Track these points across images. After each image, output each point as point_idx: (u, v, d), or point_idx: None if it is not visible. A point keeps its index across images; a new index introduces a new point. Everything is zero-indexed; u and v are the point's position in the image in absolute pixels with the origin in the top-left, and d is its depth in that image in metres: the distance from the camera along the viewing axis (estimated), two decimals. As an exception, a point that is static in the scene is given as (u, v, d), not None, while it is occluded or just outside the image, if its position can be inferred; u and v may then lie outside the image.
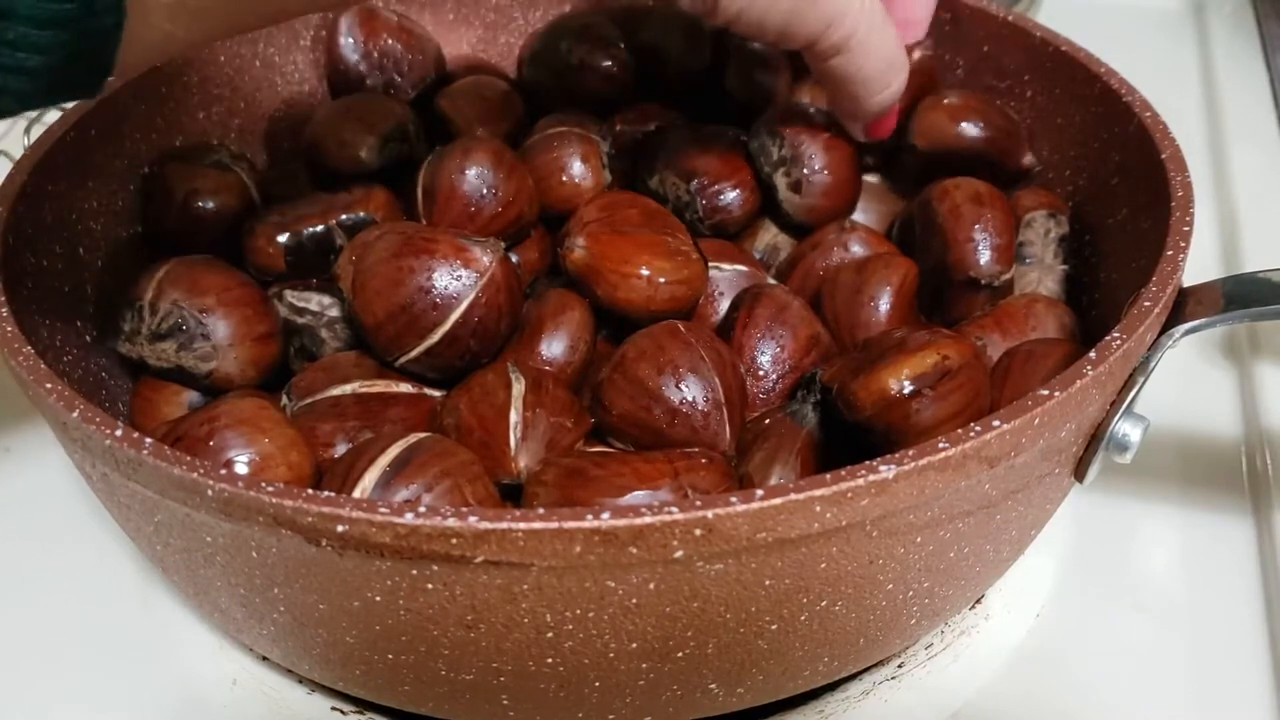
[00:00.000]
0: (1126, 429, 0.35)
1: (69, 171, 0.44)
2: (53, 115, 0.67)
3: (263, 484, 0.28)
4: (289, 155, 0.54)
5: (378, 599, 0.30)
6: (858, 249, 0.45)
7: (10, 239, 0.39)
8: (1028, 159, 0.49)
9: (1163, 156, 0.40)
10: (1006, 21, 0.51)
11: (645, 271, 0.40)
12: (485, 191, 0.44)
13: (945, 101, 0.50)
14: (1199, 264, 0.57)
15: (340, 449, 0.38)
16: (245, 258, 0.45)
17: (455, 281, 0.38)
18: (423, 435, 0.35)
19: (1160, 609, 0.43)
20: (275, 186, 0.49)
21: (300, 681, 0.41)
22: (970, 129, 0.48)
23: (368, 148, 0.47)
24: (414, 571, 0.29)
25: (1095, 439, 0.36)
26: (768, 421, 0.39)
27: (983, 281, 0.43)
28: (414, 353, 0.39)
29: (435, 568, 0.28)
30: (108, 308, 0.44)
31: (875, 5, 0.39)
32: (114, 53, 0.29)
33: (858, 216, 0.48)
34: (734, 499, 0.28)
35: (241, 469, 0.35)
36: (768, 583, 0.30)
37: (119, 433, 0.30)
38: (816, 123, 0.46)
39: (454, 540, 0.27)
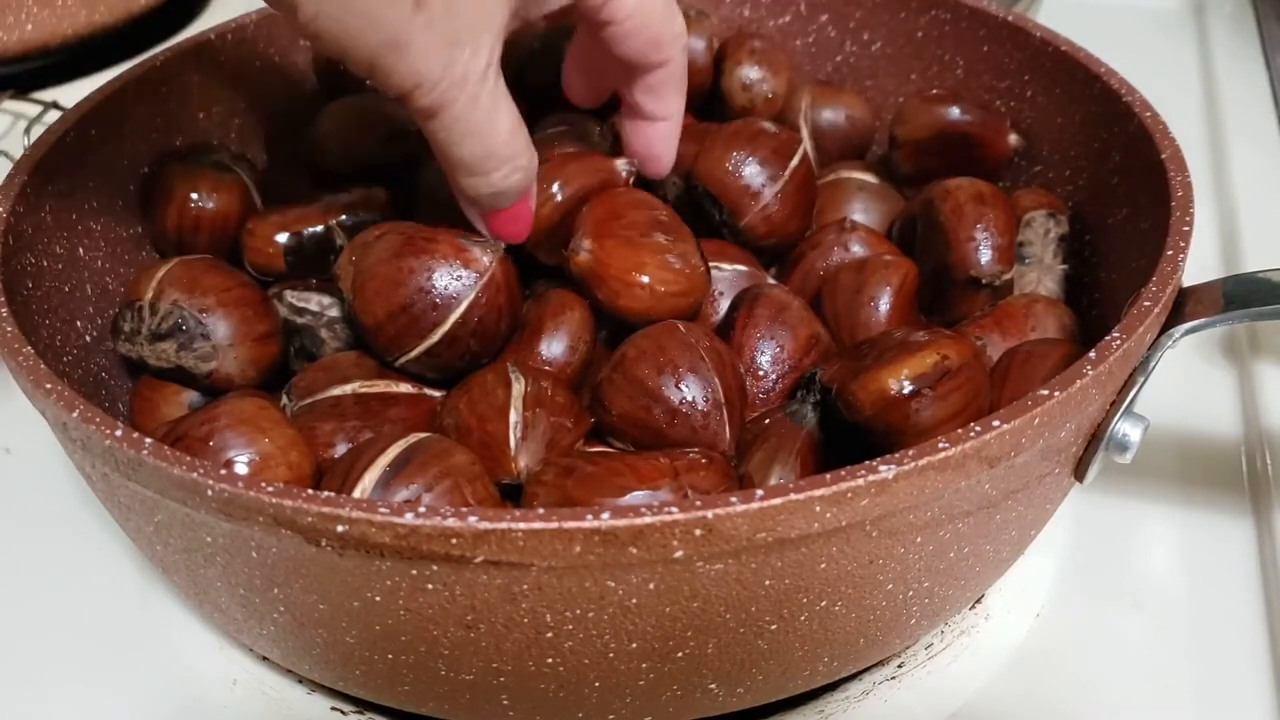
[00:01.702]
0: (1126, 429, 0.35)
1: (69, 171, 0.44)
2: (53, 115, 0.68)
3: (263, 484, 0.28)
4: (289, 155, 0.54)
5: (378, 599, 0.30)
6: (858, 249, 0.45)
7: (10, 239, 0.39)
8: (1013, 138, 0.48)
9: (1163, 156, 0.40)
10: (1006, 21, 0.51)
11: (646, 280, 0.40)
12: (485, 191, 0.44)
13: (920, 94, 0.50)
14: (1199, 264, 0.57)
15: (340, 449, 0.38)
16: (245, 258, 0.45)
17: (455, 282, 0.38)
18: (423, 435, 0.35)
19: (1160, 609, 0.43)
20: (275, 186, 0.49)
21: (300, 681, 0.41)
22: (949, 111, 0.48)
23: (368, 148, 0.47)
24: (414, 571, 0.29)
25: (1095, 439, 0.36)
26: (768, 421, 0.39)
27: (983, 281, 0.43)
28: (414, 353, 0.39)
29: (435, 568, 0.28)
30: (108, 308, 0.44)
31: (482, 83, 0.35)
32: None
33: (858, 217, 0.48)
34: (734, 499, 0.28)
35: (241, 469, 0.35)
36: (768, 583, 0.30)
37: (119, 433, 0.30)
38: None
39: (454, 540, 0.27)
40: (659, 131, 0.44)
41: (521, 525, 0.27)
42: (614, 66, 0.42)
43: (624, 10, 0.39)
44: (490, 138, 0.37)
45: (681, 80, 0.43)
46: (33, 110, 0.69)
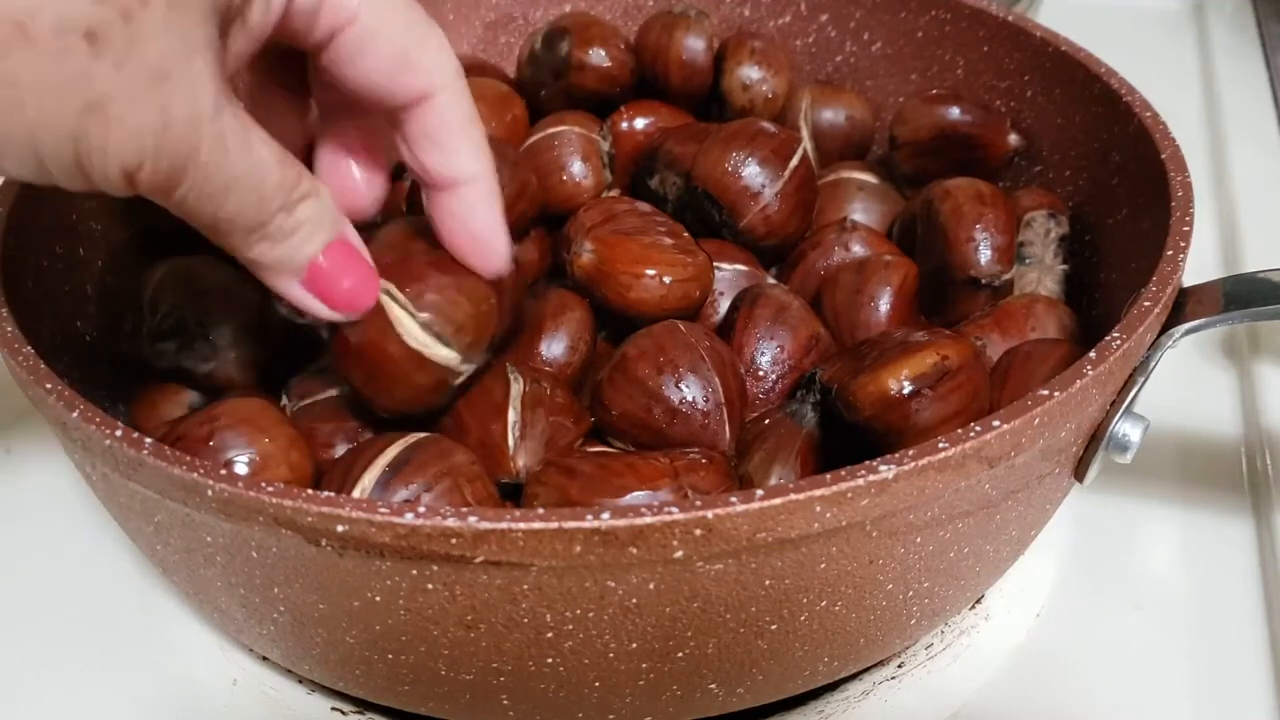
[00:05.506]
0: (1126, 429, 0.35)
1: (69, 171, 0.44)
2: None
3: (263, 484, 0.28)
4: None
5: (378, 599, 0.30)
6: (858, 249, 0.45)
7: (10, 239, 0.39)
8: (1013, 138, 0.49)
9: (1163, 156, 0.40)
10: (1006, 21, 0.51)
11: (654, 271, 0.40)
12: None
13: (920, 94, 0.50)
14: (1199, 264, 0.57)
15: (340, 449, 0.38)
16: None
17: None
18: (422, 435, 0.35)
19: (1160, 609, 0.43)
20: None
21: (300, 681, 0.41)
22: (949, 111, 0.48)
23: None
24: (414, 571, 0.29)
25: (1095, 439, 0.36)
26: (768, 421, 0.39)
27: (983, 281, 0.43)
28: None
29: (435, 568, 0.28)
30: (108, 308, 0.44)
31: (220, 117, 0.28)
32: None
33: (858, 217, 0.48)
34: (734, 499, 0.28)
35: (241, 469, 0.35)
36: (768, 583, 0.30)
37: (119, 433, 0.30)
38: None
39: (454, 540, 0.27)
40: (466, 201, 0.33)
41: (521, 525, 0.27)
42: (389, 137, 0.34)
43: (346, 10, 0.30)
44: (258, 175, 0.29)
45: (470, 124, 0.33)
46: None
